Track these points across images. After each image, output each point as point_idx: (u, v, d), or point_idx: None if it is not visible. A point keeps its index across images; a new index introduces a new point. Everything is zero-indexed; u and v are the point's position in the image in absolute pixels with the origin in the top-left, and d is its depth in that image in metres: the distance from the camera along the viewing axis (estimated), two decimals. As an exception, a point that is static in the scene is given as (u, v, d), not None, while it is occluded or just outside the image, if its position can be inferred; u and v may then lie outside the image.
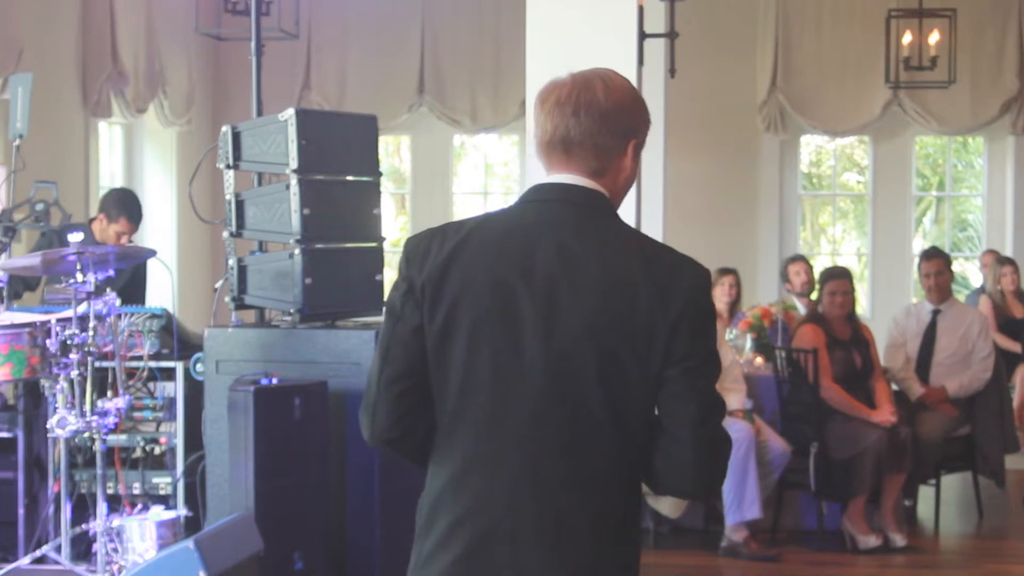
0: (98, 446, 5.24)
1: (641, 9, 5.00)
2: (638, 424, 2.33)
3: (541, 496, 2.31)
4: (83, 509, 5.55)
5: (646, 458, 2.35)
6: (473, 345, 2.33)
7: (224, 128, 5.32)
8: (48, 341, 5.21)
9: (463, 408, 2.35)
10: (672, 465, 2.34)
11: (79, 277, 5.11)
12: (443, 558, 2.35)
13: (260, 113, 5.81)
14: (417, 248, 2.40)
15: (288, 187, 5.12)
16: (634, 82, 4.95)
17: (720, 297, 8.44)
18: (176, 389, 5.76)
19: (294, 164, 5.09)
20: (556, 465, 2.31)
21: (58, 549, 5.26)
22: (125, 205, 6.80)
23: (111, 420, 5.20)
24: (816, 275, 8.70)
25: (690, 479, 2.34)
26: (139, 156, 10.94)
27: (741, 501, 6.82)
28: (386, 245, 5.52)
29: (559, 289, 2.31)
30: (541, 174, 2.48)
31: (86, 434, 5.30)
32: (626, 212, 4.89)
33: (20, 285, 6.51)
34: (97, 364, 5.24)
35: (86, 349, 5.16)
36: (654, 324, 2.28)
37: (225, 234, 5.31)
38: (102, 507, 5.17)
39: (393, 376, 2.40)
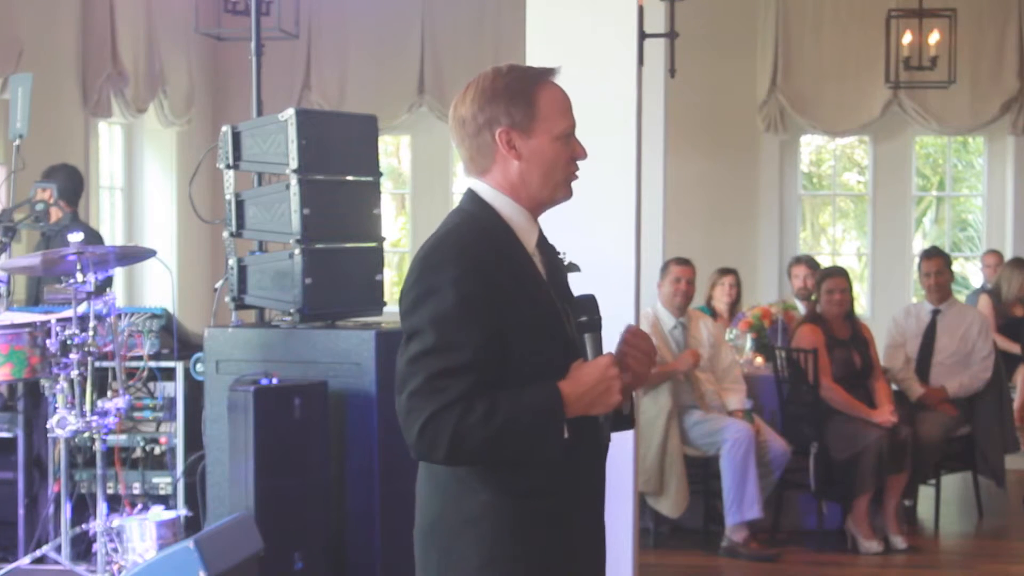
0: (98, 446, 5.24)
1: (641, 9, 4.99)
2: None
3: None
4: (83, 509, 5.56)
5: None
6: None
7: (224, 128, 5.31)
8: (48, 341, 5.21)
9: None
10: None
11: (79, 277, 5.11)
12: None
13: (260, 113, 5.81)
14: None
15: (288, 187, 5.11)
16: (634, 82, 4.98)
17: (720, 297, 8.45)
18: (176, 389, 5.76)
19: (294, 164, 5.09)
20: None
21: (58, 549, 5.26)
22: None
23: (111, 420, 5.20)
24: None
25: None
26: (139, 156, 10.94)
27: (741, 501, 6.82)
28: (386, 245, 5.52)
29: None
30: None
31: (86, 434, 5.30)
32: (626, 212, 4.92)
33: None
34: (97, 364, 5.24)
35: (86, 349, 5.16)
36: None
37: (225, 234, 5.30)
38: (102, 507, 5.17)
39: None
